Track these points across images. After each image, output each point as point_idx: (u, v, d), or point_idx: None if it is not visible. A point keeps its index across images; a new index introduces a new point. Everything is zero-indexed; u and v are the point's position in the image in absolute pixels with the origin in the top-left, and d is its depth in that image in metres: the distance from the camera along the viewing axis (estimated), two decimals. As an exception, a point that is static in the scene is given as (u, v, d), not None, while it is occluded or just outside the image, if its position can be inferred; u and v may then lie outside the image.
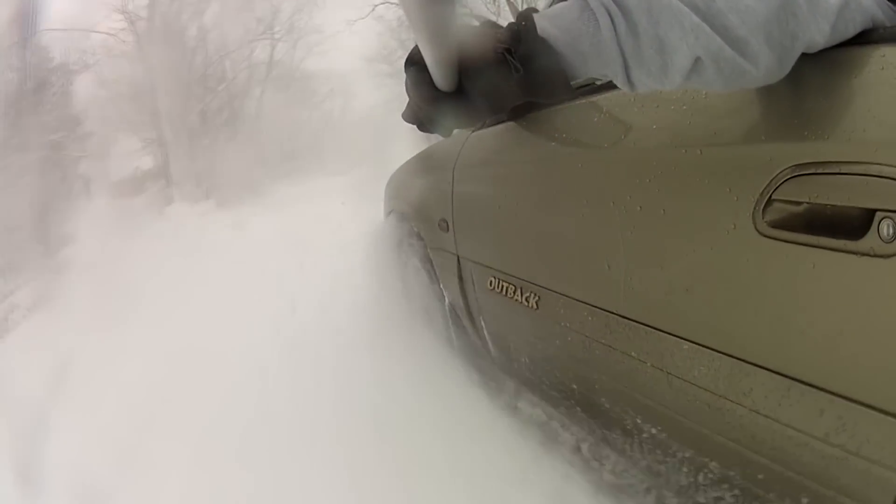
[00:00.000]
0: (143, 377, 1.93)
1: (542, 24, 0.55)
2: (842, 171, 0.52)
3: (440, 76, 0.55)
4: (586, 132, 0.95)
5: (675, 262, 0.73)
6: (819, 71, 0.55)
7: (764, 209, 0.59)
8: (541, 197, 1.04)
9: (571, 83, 0.57)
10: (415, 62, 0.56)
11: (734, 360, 0.65)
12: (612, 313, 0.85)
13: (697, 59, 0.52)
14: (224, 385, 1.70)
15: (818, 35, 0.52)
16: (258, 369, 1.72)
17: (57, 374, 2.19)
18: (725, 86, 0.55)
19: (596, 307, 0.89)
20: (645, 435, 0.84)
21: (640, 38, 0.52)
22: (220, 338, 2.03)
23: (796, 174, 0.56)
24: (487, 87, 0.55)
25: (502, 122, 1.20)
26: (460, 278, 1.43)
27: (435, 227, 1.52)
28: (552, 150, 1.03)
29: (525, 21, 0.55)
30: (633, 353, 0.81)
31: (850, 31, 0.54)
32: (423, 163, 1.73)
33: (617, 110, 0.87)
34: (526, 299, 1.10)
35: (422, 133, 0.65)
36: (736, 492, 0.71)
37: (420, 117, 0.61)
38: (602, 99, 0.91)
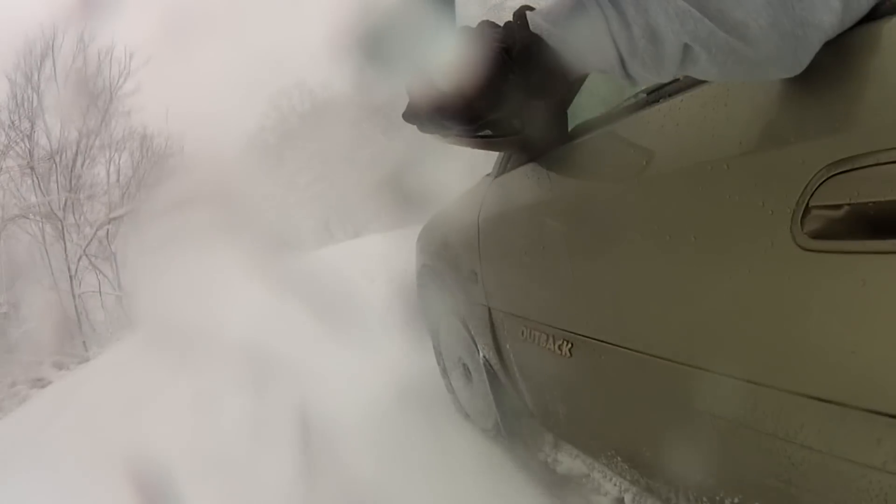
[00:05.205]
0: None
1: (536, 21, 0.54)
2: (881, 162, 0.46)
3: (440, 77, 0.54)
4: (605, 166, 0.90)
5: (711, 294, 0.66)
6: (839, 54, 0.50)
7: (802, 219, 0.53)
8: (563, 238, 0.99)
9: (570, 80, 0.55)
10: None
11: (785, 392, 0.57)
12: (645, 354, 0.78)
13: (687, 47, 0.49)
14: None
15: (829, 14, 0.47)
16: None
17: None
18: (723, 74, 0.52)
19: (628, 349, 0.82)
20: (689, 482, 0.76)
21: (631, 28, 0.50)
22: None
23: (833, 174, 0.50)
24: (486, 86, 0.54)
25: (523, 163, 1.17)
26: (492, 330, 1.37)
27: (464, 279, 1.48)
28: (570, 188, 1.00)
29: (519, 19, 0.54)
30: (671, 395, 0.74)
31: (865, 5, 0.49)
32: (449, 214, 1.72)
33: (636, 137, 0.83)
34: (559, 347, 1.04)
35: None
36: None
37: (421, 118, 0.60)
38: (619, 127, 0.87)
